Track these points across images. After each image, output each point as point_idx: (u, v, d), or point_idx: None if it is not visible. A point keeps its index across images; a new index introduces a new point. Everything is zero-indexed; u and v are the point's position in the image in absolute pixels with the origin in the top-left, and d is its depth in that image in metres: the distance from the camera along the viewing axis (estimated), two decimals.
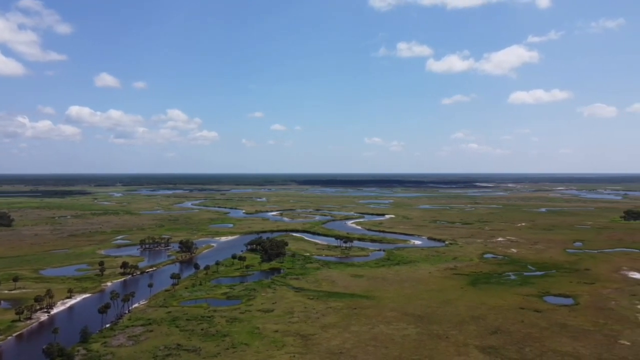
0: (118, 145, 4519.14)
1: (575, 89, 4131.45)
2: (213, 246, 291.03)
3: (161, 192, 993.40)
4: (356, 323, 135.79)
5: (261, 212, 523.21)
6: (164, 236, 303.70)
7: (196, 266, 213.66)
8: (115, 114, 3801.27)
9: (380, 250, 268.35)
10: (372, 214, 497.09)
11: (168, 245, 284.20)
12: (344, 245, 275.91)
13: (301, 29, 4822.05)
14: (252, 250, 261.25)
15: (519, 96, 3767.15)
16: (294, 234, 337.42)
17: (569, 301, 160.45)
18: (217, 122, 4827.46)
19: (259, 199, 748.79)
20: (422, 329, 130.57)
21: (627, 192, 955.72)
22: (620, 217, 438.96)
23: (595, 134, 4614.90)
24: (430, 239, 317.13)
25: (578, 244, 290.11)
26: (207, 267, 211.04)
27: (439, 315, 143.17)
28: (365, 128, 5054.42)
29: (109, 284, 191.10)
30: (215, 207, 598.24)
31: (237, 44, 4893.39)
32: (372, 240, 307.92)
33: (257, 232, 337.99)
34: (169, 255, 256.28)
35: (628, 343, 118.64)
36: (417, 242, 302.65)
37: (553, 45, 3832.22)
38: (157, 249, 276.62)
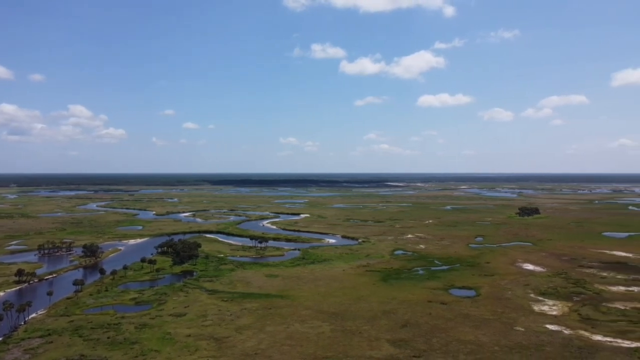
0: (12, 143, 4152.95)
1: (477, 93, 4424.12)
2: (120, 250, 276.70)
3: (62, 193, 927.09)
4: (271, 323, 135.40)
5: (173, 213, 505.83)
6: (65, 240, 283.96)
7: (102, 271, 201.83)
8: (8, 108, 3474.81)
9: (295, 249, 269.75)
10: (288, 214, 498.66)
11: (70, 250, 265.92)
12: (259, 245, 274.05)
13: (214, 25, 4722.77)
14: (163, 253, 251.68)
15: (427, 99, 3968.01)
16: (208, 235, 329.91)
17: (472, 293, 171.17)
18: (124, 120, 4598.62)
19: (170, 200, 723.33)
20: (336, 325, 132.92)
21: (522, 191, 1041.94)
22: (516, 213, 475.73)
23: (494, 137, 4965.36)
24: (344, 237, 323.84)
25: (479, 239, 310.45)
26: (113, 272, 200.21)
27: (352, 311, 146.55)
28: (281, 128, 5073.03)
29: (1, 293, 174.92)
30: (122, 208, 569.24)
31: (146, 38, 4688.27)
32: (287, 240, 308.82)
33: (169, 234, 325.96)
34: (71, 261, 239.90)
35: (522, 329, 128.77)
36: (332, 241, 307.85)
37: (457, 52, 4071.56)
38: (57, 254, 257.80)
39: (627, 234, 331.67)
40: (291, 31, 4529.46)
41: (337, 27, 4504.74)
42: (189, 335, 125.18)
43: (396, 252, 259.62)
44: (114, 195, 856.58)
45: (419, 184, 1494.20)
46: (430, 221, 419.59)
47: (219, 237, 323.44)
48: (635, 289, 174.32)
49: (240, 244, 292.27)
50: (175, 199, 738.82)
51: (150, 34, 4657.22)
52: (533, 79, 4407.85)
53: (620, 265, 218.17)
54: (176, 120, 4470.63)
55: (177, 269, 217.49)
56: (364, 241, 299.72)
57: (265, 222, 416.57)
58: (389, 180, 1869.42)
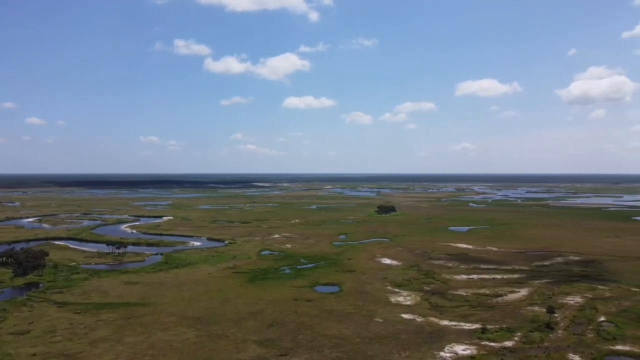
0: None
1: (340, 97, 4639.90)
2: None
3: None
4: (131, 334, 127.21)
5: (14, 218, 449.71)
6: None
7: None
8: None
9: (157, 254, 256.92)
10: (149, 217, 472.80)
11: None
12: (117, 251, 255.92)
13: (65, 12, 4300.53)
14: (1, 264, 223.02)
15: (293, 101, 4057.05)
16: (57, 242, 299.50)
17: (335, 289, 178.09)
18: None
19: (10, 204, 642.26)
20: (201, 330, 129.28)
21: (380, 190, 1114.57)
22: (375, 211, 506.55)
23: (355, 139, 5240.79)
24: (210, 239, 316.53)
25: (342, 236, 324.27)
26: None
27: (218, 315, 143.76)
28: (141, 126, 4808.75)
29: None
30: None
31: None
32: (149, 244, 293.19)
33: (9, 243, 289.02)
34: None
35: (381, 320, 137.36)
36: (197, 243, 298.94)
37: (321, 56, 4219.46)
38: None
39: (468, 227, 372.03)
40: (151, 24, 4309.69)
41: (202, 24, 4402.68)
42: (35, 355, 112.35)
43: (263, 253, 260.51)
44: None
45: (285, 184, 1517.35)
46: (297, 220, 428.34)
47: (70, 244, 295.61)
48: (475, 276, 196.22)
49: (95, 250, 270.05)
50: (17, 203, 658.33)
51: None
52: (390, 86, 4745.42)
53: (462, 256, 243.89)
54: (17, 114, 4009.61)
55: (20, 281, 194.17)
56: (230, 242, 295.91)
57: (124, 226, 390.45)
58: (256, 180, 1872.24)
